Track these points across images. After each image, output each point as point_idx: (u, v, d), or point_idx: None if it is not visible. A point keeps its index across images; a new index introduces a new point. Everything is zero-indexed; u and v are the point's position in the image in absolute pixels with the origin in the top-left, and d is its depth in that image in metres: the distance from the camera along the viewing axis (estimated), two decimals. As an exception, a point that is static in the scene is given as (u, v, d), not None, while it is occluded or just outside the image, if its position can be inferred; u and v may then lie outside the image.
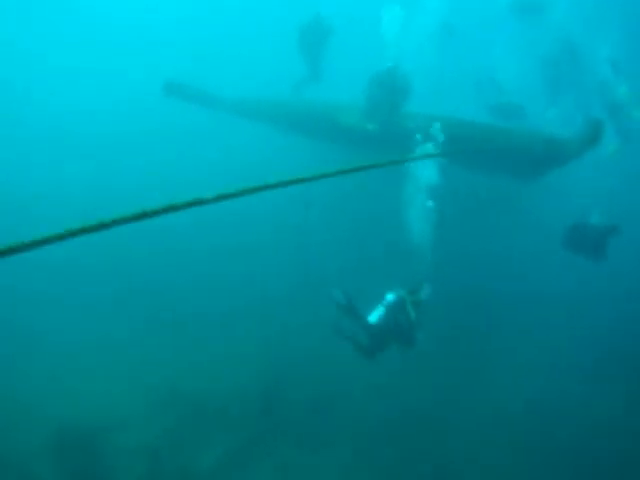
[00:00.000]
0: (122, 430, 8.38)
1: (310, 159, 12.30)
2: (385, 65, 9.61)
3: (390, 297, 7.19)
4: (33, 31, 19.14)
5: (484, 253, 11.49)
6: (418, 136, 8.96)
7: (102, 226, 1.72)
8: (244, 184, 2.13)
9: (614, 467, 8.13)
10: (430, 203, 9.02)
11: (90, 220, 1.70)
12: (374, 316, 7.00)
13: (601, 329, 10.82)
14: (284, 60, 12.29)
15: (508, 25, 14.37)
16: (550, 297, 11.44)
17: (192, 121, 13.72)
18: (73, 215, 13.15)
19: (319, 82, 12.29)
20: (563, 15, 13.59)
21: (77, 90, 17.70)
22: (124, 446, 8.09)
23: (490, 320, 10.78)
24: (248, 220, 13.03)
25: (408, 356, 7.44)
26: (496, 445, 8.53)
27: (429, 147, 8.81)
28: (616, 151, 11.67)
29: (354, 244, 11.60)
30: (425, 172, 9.12)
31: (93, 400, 8.81)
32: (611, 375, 10.14)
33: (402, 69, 9.61)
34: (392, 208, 9.37)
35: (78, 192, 14.31)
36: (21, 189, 14.41)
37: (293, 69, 12.16)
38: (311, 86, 12.32)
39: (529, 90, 12.97)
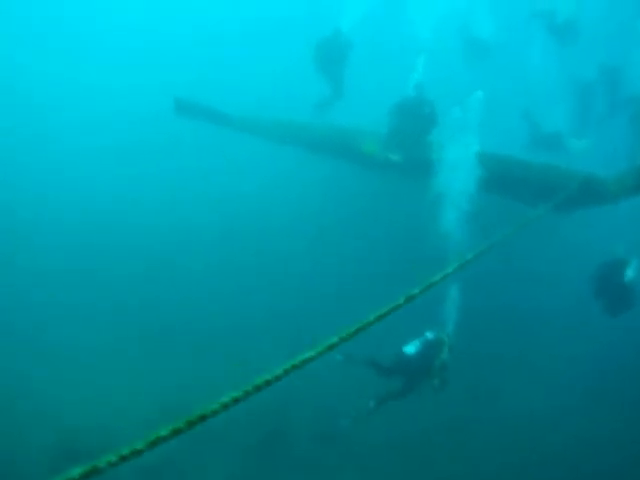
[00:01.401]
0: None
1: (322, 174, 12.06)
2: (410, 92, 9.15)
3: (429, 335, 7.15)
4: (36, 43, 18.88)
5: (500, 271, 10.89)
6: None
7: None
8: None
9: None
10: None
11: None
12: (410, 348, 7.02)
13: (604, 344, 10.77)
14: (304, 78, 11.78)
15: (542, 46, 13.60)
16: (555, 310, 11.31)
17: (199, 134, 13.27)
18: (74, 221, 12.96)
19: (341, 100, 11.73)
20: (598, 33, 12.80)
21: (82, 103, 17.43)
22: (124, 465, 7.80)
23: (497, 334, 10.62)
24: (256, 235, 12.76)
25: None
26: (500, 457, 8.57)
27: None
28: None
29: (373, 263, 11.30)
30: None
31: (94, 416, 8.53)
32: (613, 390, 10.18)
33: (428, 95, 9.14)
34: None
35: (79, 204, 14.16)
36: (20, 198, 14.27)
37: (314, 87, 11.67)
38: (334, 105, 11.79)
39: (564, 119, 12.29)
